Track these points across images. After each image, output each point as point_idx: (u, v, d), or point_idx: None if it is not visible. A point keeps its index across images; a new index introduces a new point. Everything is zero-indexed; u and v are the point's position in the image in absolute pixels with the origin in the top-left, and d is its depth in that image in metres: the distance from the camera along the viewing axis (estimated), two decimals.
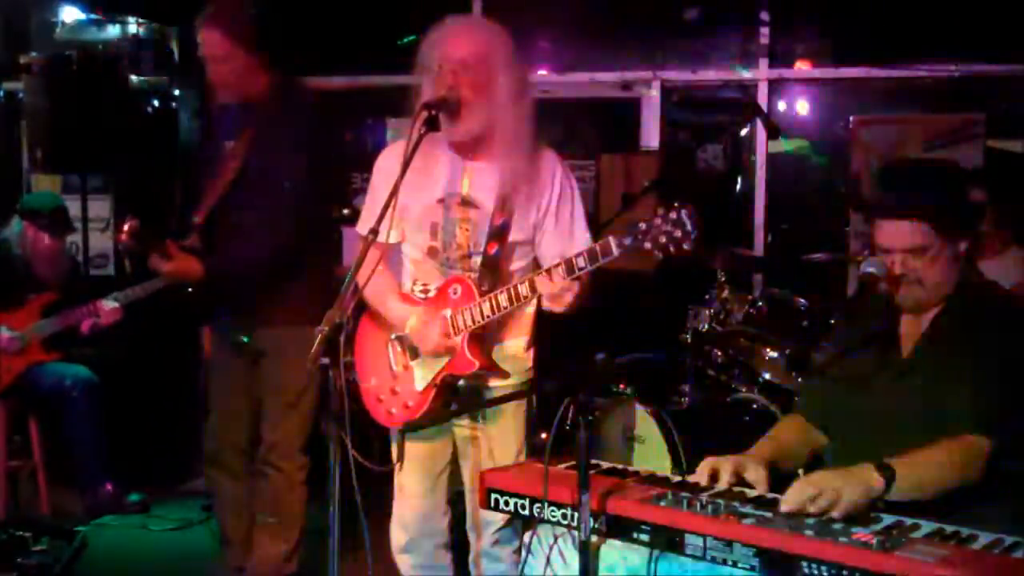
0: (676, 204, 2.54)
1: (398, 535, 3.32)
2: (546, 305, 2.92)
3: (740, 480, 2.48)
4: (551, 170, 3.11)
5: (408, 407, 3.16)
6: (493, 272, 3.06)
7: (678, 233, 2.52)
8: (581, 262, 2.72)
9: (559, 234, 3.11)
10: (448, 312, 3.04)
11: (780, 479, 2.54)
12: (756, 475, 2.47)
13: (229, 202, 3.84)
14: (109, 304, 4.79)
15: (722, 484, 2.45)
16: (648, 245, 2.56)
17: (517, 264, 3.14)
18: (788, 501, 2.23)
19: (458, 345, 3.02)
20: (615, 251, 2.64)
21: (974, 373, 2.47)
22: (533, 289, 2.85)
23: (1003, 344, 2.51)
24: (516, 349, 3.19)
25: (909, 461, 2.35)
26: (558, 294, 2.81)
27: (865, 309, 2.82)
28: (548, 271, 2.81)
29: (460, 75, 2.94)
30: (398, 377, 3.20)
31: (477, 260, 3.08)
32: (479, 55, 2.96)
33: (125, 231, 3.85)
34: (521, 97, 3.03)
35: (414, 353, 3.15)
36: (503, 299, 2.92)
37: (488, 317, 2.96)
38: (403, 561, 3.33)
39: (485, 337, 3.08)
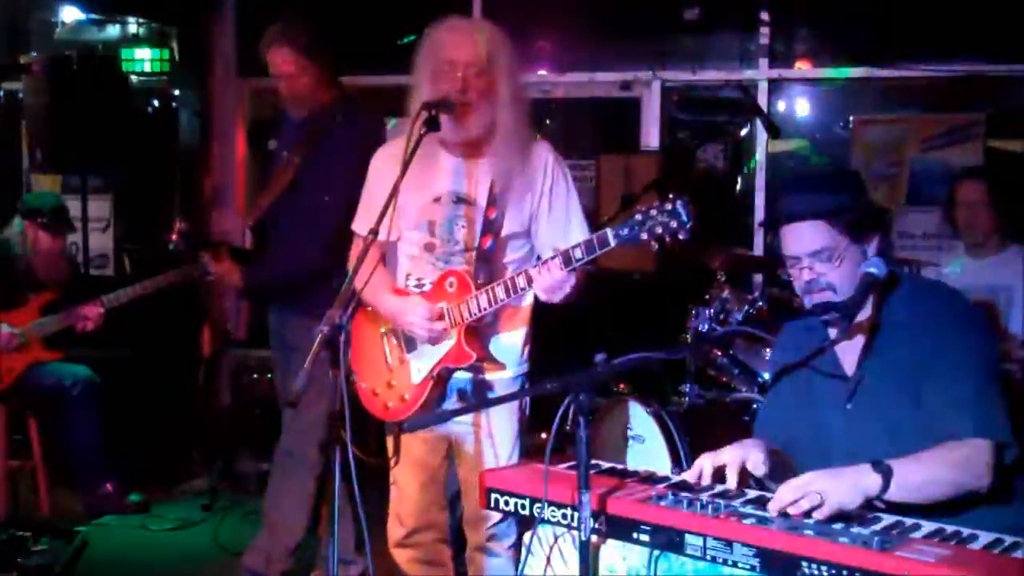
0: (672, 195, 2.55)
1: (395, 529, 3.33)
2: (542, 296, 2.93)
3: (744, 471, 2.46)
4: (543, 159, 3.13)
5: (405, 400, 3.17)
6: (488, 265, 3.07)
7: (674, 224, 2.55)
8: (578, 253, 2.74)
9: (555, 222, 3.13)
10: (444, 304, 3.05)
11: (783, 468, 2.53)
12: (756, 458, 2.46)
13: (279, 209, 3.97)
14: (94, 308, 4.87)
15: (730, 483, 2.44)
16: (644, 236, 2.59)
17: (511, 256, 3.15)
18: (774, 503, 2.23)
19: (453, 334, 3.03)
20: (612, 242, 2.66)
21: (950, 376, 2.41)
22: (530, 281, 2.87)
23: (967, 341, 2.45)
24: (513, 341, 3.19)
25: (908, 461, 2.33)
26: (555, 286, 2.82)
27: (799, 329, 2.79)
28: (546, 263, 2.82)
29: (470, 78, 2.96)
30: (394, 371, 3.21)
31: (473, 254, 3.09)
32: (486, 59, 2.98)
33: (176, 231, 3.97)
34: (520, 99, 3.06)
35: (410, 345, 3.16)
36: (500, 291, 2.94)
37: (485, 309, 2.98)
38: (400, 555, 3.33)
39: (482, 329, 3.10)
